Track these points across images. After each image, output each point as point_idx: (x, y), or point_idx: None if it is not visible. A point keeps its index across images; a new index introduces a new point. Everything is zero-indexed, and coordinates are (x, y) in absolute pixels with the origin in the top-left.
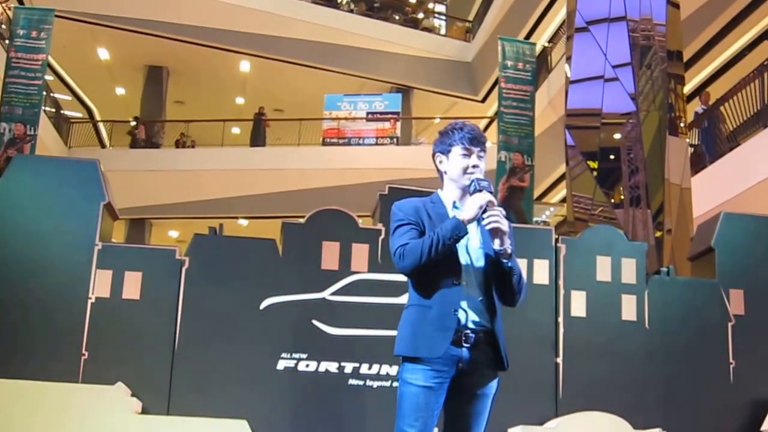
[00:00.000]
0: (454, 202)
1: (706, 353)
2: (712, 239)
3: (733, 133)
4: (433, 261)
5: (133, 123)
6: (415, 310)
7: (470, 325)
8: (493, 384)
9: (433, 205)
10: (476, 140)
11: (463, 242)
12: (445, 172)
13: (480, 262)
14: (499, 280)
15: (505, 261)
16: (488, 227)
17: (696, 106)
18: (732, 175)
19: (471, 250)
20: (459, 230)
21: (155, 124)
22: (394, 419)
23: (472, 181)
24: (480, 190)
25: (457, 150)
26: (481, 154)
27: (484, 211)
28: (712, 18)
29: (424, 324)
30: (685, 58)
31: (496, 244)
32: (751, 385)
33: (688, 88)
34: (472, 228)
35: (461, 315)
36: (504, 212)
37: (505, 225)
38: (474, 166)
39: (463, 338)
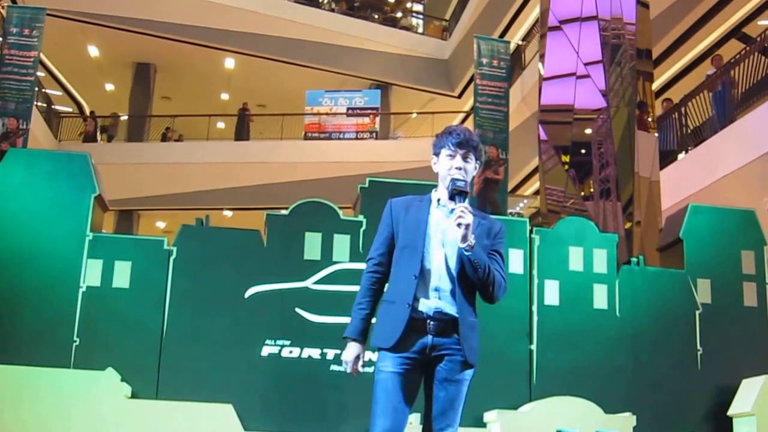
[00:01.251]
0: (438, 200)
1: (674, 340)
2: (680, 230)
3: (700, 128)
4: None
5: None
6: (383, 305)
7: (433, 314)
8: (467, 371)
9: (419, 204)
10: (462, 144)
11: (439, 235)
12: (437, 173)
13: (454, 255)
14: (468, 275)
15: (467, 254)
16: (455, 222)
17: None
18: (699, 169)
19: (447, 244)
20: (345, 338)
21: (107, 119)
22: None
23: (451, 180)
24: (456, 191)
25: (444, 152)
26: (468, 156)
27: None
28: (680, 17)
29: (387, 317)
30: (654, 55)
31: (461, 238)
32: (718, 371)
33: (656, 85)
34: (452, 220)
35: (424, 304)
36: (471, 209)
37: (467, 219)
38: (457, 168)
39: (428, 326)
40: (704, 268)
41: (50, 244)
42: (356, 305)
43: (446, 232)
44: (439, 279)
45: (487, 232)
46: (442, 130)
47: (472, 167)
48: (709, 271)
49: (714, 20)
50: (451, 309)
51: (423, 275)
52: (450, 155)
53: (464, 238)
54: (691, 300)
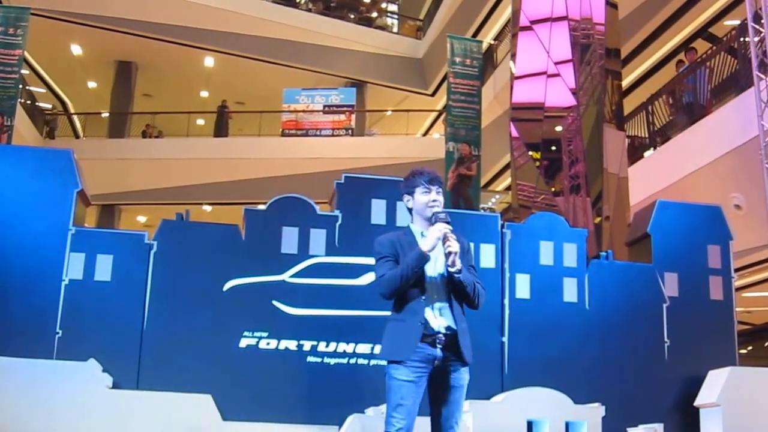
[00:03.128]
0: (422, 233)
1: (642, 332)
2: (648, 226)
3: (666, 126)
4: (405, 285)
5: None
6: (393, 323)
7: (441, 330)
8: (466, 375)
9: (405, 236)
10: (434, 180)
11: (432, 263)
12: (413, 209)
13: (445, 277)
14: (457, 290)
15: (456, 276)
16: (446, 251)
17: (631, 101)
18: (666, 166)
19: (438, 268)
20: (422, 260)
21: (49, 114)
22: (349, 393)
23: (433, 214)
24: (438, 222)
25: (419, 190)
26: (439, 190)
27: (446, 239)
28: (648, 17)
29: (400, 333)
30: (623, 54)
31: (450, 263)
32: (685, 363)
33: (625, 83)
34: (439, 249)
35: (432, 322)
36: (456, 236)
37: (456, 248)
38: (434, 200)
39: (437, 341)
40: (671, 262)
41: (34, 238)
42: (396, 271)
43: (437, 257)
44: (438, 298)
45: (463, 251)
46: (411, 172)
47: (442, 198)
48: (676, 265)
49: (681, 20)
50: (451, 323)
51: (426, 297)
52: (425, 191)
53: (453, 263)
54: (658, 293)
